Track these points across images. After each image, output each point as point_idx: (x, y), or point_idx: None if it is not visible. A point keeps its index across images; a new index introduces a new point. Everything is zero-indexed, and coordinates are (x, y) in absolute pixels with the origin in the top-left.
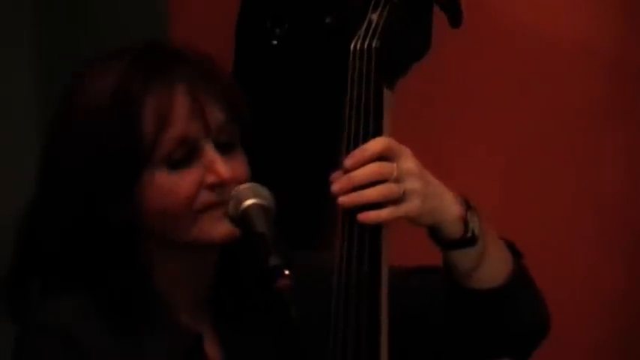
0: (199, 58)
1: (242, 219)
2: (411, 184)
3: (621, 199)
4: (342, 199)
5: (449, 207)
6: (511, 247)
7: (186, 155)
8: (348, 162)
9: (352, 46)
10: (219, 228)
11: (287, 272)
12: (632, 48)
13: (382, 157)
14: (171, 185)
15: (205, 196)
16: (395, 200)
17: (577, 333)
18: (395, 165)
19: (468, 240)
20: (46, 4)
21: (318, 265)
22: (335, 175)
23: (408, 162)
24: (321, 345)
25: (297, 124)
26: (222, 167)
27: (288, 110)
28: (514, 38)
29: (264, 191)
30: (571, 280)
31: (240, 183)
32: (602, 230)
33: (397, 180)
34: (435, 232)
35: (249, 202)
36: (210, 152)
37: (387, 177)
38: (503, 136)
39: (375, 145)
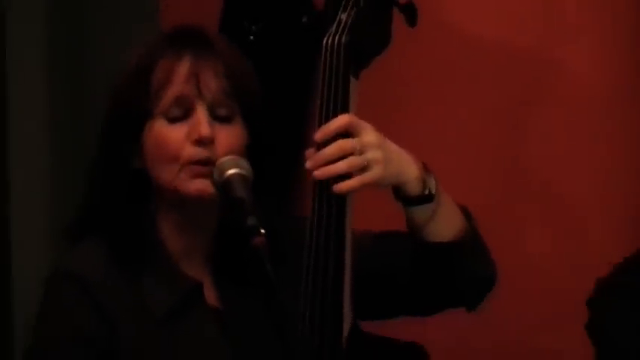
0: (215, 39)
1: (224, 185)
2: (373, 154)
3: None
4: (317, 173)
5: (408, 169)
6: (465, 210)
7: (182, 113)
8: (317, 135)
9: (325, 41)
10: (196, 184)
11: (262, 231)
12: (552, 47)
13: (347, 132)
14: (165, 135)
15: (190, 151)
16: (360, 170)
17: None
18: (357, 140)
19: (425, 197)
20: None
21: (299, 226)
22: (308, 152)
23: (369, 135)
24: (297, 293)
25: (271, 108)
26: (205, 127)
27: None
28: (457, 34)
29: (245, 163)
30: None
31: (229, 152)
32: (549, 215)
33: (361, 152)
34: (397, 191)
35: (231, 171)
36: (200, 113)
37: (351, 151)
38: (447, 119)
39: (339, 121)
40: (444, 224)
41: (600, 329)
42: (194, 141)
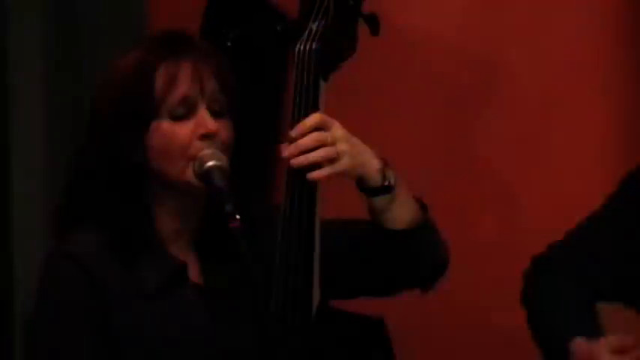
0: (203, 44)
1: (205, 176)
2: (342, 146)
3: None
4: (293, 161)
5: (370, 162)
6: (420, 201)
7: (186, 111)
8: (293, 133)
9: (297, 48)
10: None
11: (238, 216)
12: (496, 51)
13: (319, 128)
14: (173, 133)
15: (197, 145)
16: (331, 160)
17: None
18: (329, 133)
19: (385, 188)
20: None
21: (273, 213)
22: (283, 145)
23: (339, 131)
24: (271, 272)
25: (247, 106)
26: (211, 122)
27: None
28: (415, 42)
29: (222, 155)
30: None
31: (225, 142)
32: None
33: (332, 144)
34: (360, 182)
35: (210, 163)
36: (203, 111)
37: (324, 143)
38: (401, 114)
39: (312, 119)
40: (400, 213)
41: (529, 298)
42: (200, 136)
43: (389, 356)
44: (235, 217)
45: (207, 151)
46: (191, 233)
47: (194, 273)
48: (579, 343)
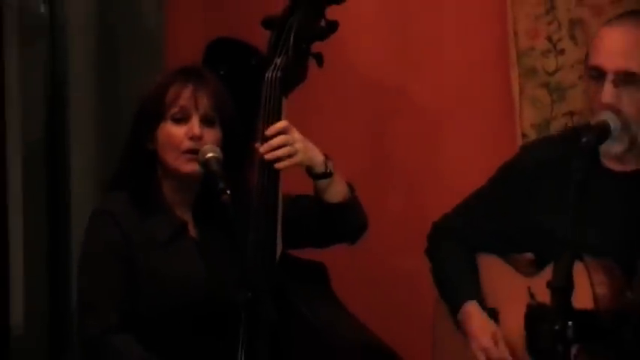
0: (208, 74)
1: (205, 163)
2: (298, 145)
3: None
4: (267, 156)
5: (317, 157)
6: (349, 184)
7: (183, 118)
8: (267, 132)
9: (266, 75)
10: (189, 166)
11: (228, 192)
12: (403, 74)
13: (283, 131)
14: (171, 132)
15: (187, 143)
16: (290, 155)
17: None
18: (290, 136)
19: (326, 174)
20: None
21: (250, 190)
22: (257, 144)
23: (296, 134)
24: (248, 230)
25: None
26: (197, 128)
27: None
28: (345, 70)
29: (218, 149)
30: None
31: (211, 143)
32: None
33: (292, 144)
34: (309, 169)
35: (209, 154)
36: (194, 119)
37: (287, 143)
38: (339, 123)
39: (280, 124)
40: (336, 192)
41: (431, 253)
42: (190, 137)
43: (328, 286)
44: (226, 192)
45: (207, 146)
46: (190, 202)
47: (192, 230)
48: (468, 311)
